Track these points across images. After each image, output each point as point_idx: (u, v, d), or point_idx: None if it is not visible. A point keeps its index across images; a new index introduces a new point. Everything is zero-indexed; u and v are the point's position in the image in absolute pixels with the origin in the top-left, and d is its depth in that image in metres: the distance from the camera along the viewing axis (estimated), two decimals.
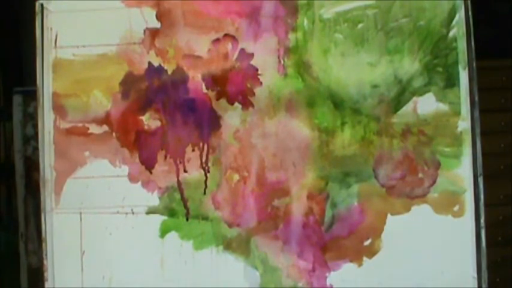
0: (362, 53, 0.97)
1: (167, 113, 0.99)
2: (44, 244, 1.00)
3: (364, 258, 0.97)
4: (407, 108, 0.97)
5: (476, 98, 0.96)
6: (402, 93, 0.97)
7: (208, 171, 0.99)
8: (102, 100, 1.01)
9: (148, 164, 0.99)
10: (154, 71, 1.00)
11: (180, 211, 0.99)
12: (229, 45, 0.99)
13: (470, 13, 0.96)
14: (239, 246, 0.98)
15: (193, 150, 0.99)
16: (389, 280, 0.95)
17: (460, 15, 0.96)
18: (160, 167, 1.00)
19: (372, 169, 0.97)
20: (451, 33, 0.96)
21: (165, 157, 0.99)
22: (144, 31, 1.00)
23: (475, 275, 0.94)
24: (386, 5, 0.97)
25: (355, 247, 0.97)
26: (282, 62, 0.98)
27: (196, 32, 0.99)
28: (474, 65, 0.96)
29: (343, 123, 0.97)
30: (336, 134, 0.97)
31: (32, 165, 1.64)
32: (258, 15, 0.99)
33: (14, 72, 2.03)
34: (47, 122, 1.01)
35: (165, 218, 0.99)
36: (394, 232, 0.96)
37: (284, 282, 0.98)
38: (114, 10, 1.01)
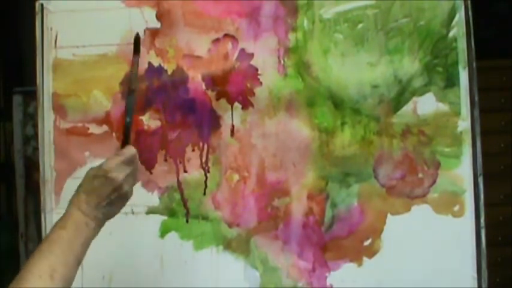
0: (362, 53, 0.97)
1: (167, 113, 0.99)
2: None
3: (364, 258, 0.96)
4: (407, 108, 0.96)
5: (476, 98, 0.96)
6: (402, 93, 0.97)
7: (208, 171, 0.99)
8: (102, 100, 1.01)
9: (148, 164, 0.99)
10: (154, 71, 1.00)
11: (180, 211, 0.99)
12: (229, 45, 0.99)
13: (470, 13, 0.96)
14: (239, 246, 0.98)
15: (193, 150, 0.99)
16: (389, 280, 0.95)
17: (460, 15, 0.96)
18: (160, 167, 1.00)
19: (372, 169, 0.97)
20: (451, 33, 0.96)
21: (165, 157, 0.99)
22: (144, 31, 1.00)
23: (475, 275, 0.94)
24: (386, 5, 0.97)
25: (355, 247, 0.97)
26: (282, 62, 0.98)
27: (196, 32, 0.99)
28: (474, 65, 0.96)
29: (343, 123, 0.97)
30: (336, 134, 0.97)
31: (32, 165, 1.64)
32: (258, 15, 0.99)
33: (14, 72, 2.03)
34: (47, 122, 1.01)
35: (165, 218, 0.99)
36: (394, 232, 0.96)
37: (284, 282, 0.98)
38: (114, 10, 1.01)
